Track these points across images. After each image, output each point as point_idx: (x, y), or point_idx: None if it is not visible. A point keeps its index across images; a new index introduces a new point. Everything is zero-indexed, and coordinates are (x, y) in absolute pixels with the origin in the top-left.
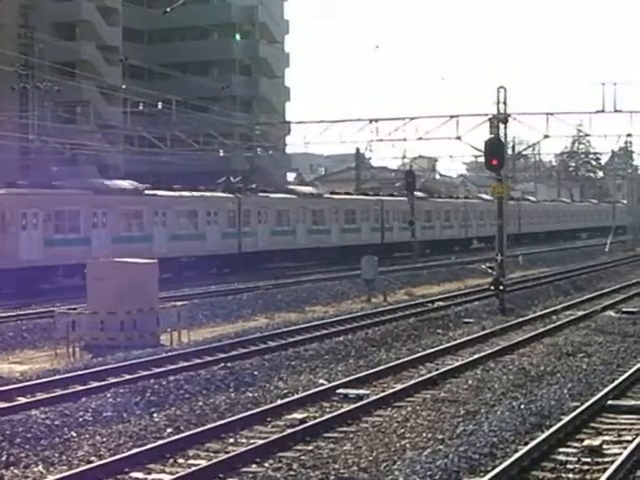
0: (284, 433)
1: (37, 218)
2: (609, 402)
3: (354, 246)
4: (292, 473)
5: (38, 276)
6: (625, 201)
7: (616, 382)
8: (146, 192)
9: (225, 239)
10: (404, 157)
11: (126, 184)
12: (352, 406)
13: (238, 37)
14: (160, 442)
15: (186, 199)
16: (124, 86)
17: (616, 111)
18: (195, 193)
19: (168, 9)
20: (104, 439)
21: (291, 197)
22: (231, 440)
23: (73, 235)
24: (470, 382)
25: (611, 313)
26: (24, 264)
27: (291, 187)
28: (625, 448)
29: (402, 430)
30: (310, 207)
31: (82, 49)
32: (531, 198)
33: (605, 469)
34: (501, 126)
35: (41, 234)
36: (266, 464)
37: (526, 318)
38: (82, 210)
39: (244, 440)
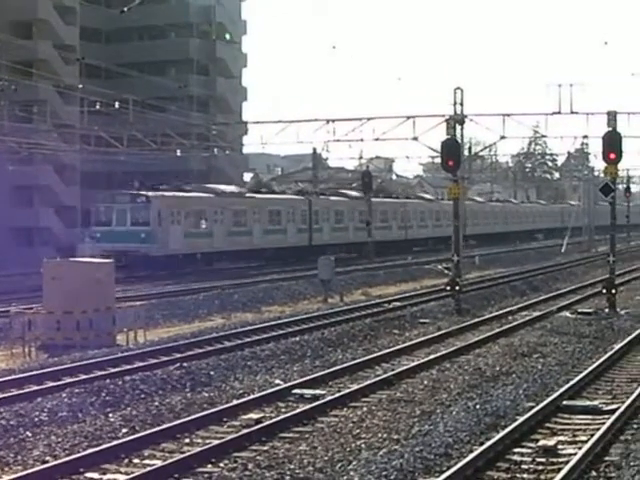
0: (240, 433)
1: (180, 216)
2: (564, 402)
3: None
4: (247, 473)
5: (180, 262)
6: (575, 202)
7: (571, 382)
8: (247, 195)
9: (300, 233)
10: (361, 157)
11: (233, 188)
12: (308, 406)
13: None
14: (115, 442)
15: (274, 201)
16: (81, 85)
17: (572, 112)
18: (279, 196)
19: (125, 8)
20: (59, 439)
21: (345, 200)
22: (187, 440)
23: (201, 229)
24: (426, 382)
25: (567, 314)
26: (171, 252)
27: (344, 191)
28: (580, 448)
29: (358, 430)
30: (358, 208)
31: (39, 48)
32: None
33: (560, 469)
34: (458, 127)
35: (182, 228)
36: (221, 464)
37: (482, 318)
38: (207, 209)
39: (200, 440)
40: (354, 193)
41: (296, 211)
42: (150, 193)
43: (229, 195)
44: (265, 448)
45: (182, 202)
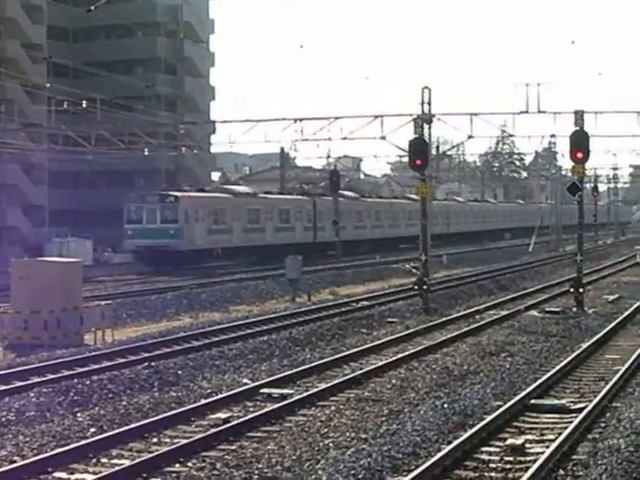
0: (208, 433)
1: (204, 214)
2: (532, 401)
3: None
4: (216, 473)
5: (203, 256)
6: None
7: (539, 381)
8: (260, 195)
9: (306, 231)
10: (329, 157)
11: (248, 189)
12: (276, 405)
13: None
14: (83, 442)
15: (284, 201)
16: (49, 84)
17: (540, 112)
18: (288, 196)
19: (92, 7)
20: (27, 439)
21: (343, 200)
22: (155, 440)
23: (222, 226)
24: (394, 381)
25: (534, 313)
26: (197, 247)
27: (344, 192)
28: (547, 447)
29: (326, 429)
30: (355, 208)
31: (6, 47)
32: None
33: (527, 468)
34: (425, 126)
35: (205, 225)
36: (189, 464)
37: (450, 318)
38: (227, 208)
39: (168, 440)
40: (350, 194)
41: (303, 210)
42: (178, 193)
43: (245, 195)
44: (233, 447)
45: (205, 202)
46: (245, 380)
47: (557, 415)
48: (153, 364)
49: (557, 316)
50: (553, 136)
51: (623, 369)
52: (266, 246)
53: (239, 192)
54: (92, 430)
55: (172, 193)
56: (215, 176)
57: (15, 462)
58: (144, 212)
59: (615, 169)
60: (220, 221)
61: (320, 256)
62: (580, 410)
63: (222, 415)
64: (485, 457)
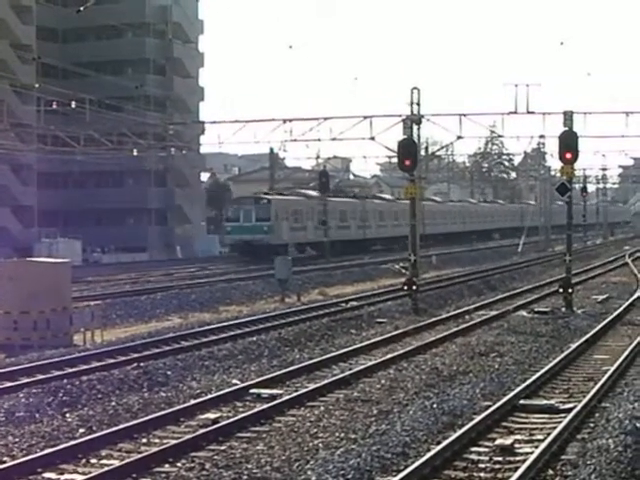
0: (197, 433)
1: (288, 214)
2: (521, 401)
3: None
4: (205, 473)
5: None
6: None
7: (528, 381)
8: (324, 198)
9: (358, 229)
10: (318, 157)
11: (315, 193)
12: (265, 406)
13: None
14: (73, 442)
15: (343, 203)
16: (38, 85)
17: (529, 112)
18: (344, 199)
19: (82, 8)
20: (16, 439)
21: (383, 202)
22: (144, 440)
23: (299, 224)
24: (383, 382)
25: (523, 313)
26: (283, 241)
27: (381, 195)
28: (536, 447)
29: (315, 430)
30: (394, 209)
31: None
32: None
33: (517, 468)
34: (414, 127)
35: (289, 224)
36: (179, 464)
37: (439, 318)
38: (303, 209)
39: (157, 440)
40: (389, 196)
41: (355, 211)
42: (270, 196)
43: (314, 198)
44: (222, 448)
45: (289, 203)
46: (234, 380)
47: (546, 415)
48: (142, 364)
49: (546, 316)
50: (542, 136)
51: (612, 369)
52: (330, 242)
53: (310, 195)
54: (81, 430)
55: (265, 196)
56: (204, 177)
57: (4, 462)
58: (241, 212)
59: (604, 169)
60: (298, 220)
61: (309, 257)
62: (569, 410)
63: (211, 415)
64: (474, 457)
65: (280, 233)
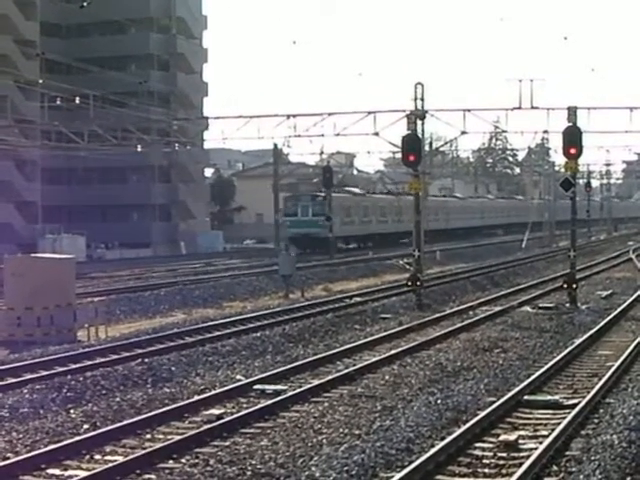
0: (201, 429)
1: (339, 209)
2: (525, 397)
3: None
4: (209, 469)
5: (339, 242)
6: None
7: (532, 377)
8: (367, 195)
9: (394, 223)
10: (322, 153)
11: (359, 190)
12: (269, 402)
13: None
14: (77, 438)
15: (382, 199)
16: (41, 81)
17: (533, 107)
18: (382, 196)
19: (85, 3)
20: (20, 435)
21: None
22: (148, 436)
23: (348, 219)
24: (387, 377)
25: (528, 309)
26: (336, 235)
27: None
28: (541, 443)
29: (319, 425)
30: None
31: None
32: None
33: (521, 464)
34: (418, 122)
35: (340, 218)
36: (183, 460)
37: (443, 314)
38: (351, 205)
39: (161, 436)
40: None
41: (392, 206)
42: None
43: (359, 195)
44: (227, 444)
45: (340, 200)
46: (238, 376)
47: (550, 411)
48: (146, 360)
49: (550, 312)
50: (546, 132)
51: (616, 365)
52: (372, 234)
53: (356, 193)
54: (85, 426)
55: (321, 194)
56: (208, 172)
57: (8, 458)
58: (299, 208)
59: (608, 165)
60: (347, 215)
61: (312, 253)
62: (573, 406)
63: (215, 411)
64: (478, 453)
65: (334, 227)
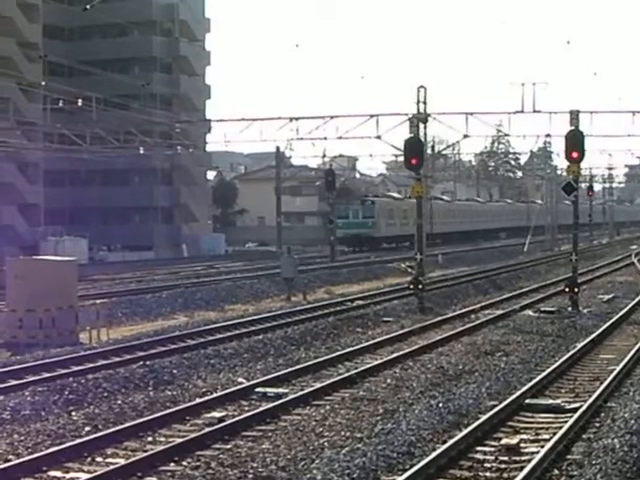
0: (202, 432)
1: (384, 212)
2: (527, 401)
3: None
4: (210, 472)
5: (384, 241)
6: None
7: (534, 381)
8: (404, 199)
9: (427, 225)
10: (324, 156)
11: (398, 195)
12: (271, 405)
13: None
14: (78, 441)
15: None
16: (44, 83)
17: (535, 111)
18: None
19: (88, 6)
20: (22, 437)
21: (441, 202)
22: (149, 439)
23: (391, 221)
24: (389, 381)
25: (529, 312)
26: (382, 235)
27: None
28: (542, 447)
29: (321, 429)
30: (452, 208)
31: (2, 45)
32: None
33: (522, 467)
34: (421, 126)
35: (386, 220)
36: (184, 463)
37: (445, 317)
38: (394, 208)
39: (162, 439)
40: (446, 198)
41: (426, 210)
42: (374, 198)
43: (399, 199)
44: (228, 447)
45: (385, 204)
46: (240, 379)
47: (552, 415)
48: (148, 363)
49: (552, 316)
50: (548, 136)
51: (618, 369)
52: (409, 235)
53: (396, 197)
54: (87, 429)
55: (370, 198)
56: (210, 175)
57: (10, 461)
58: (350, 211)
59: (610, 169)
60: (390, 217)
61: (315, 256)
62: (575, 410)
63: (217, 414)
64: (480, 457)
65: (380, 228)
